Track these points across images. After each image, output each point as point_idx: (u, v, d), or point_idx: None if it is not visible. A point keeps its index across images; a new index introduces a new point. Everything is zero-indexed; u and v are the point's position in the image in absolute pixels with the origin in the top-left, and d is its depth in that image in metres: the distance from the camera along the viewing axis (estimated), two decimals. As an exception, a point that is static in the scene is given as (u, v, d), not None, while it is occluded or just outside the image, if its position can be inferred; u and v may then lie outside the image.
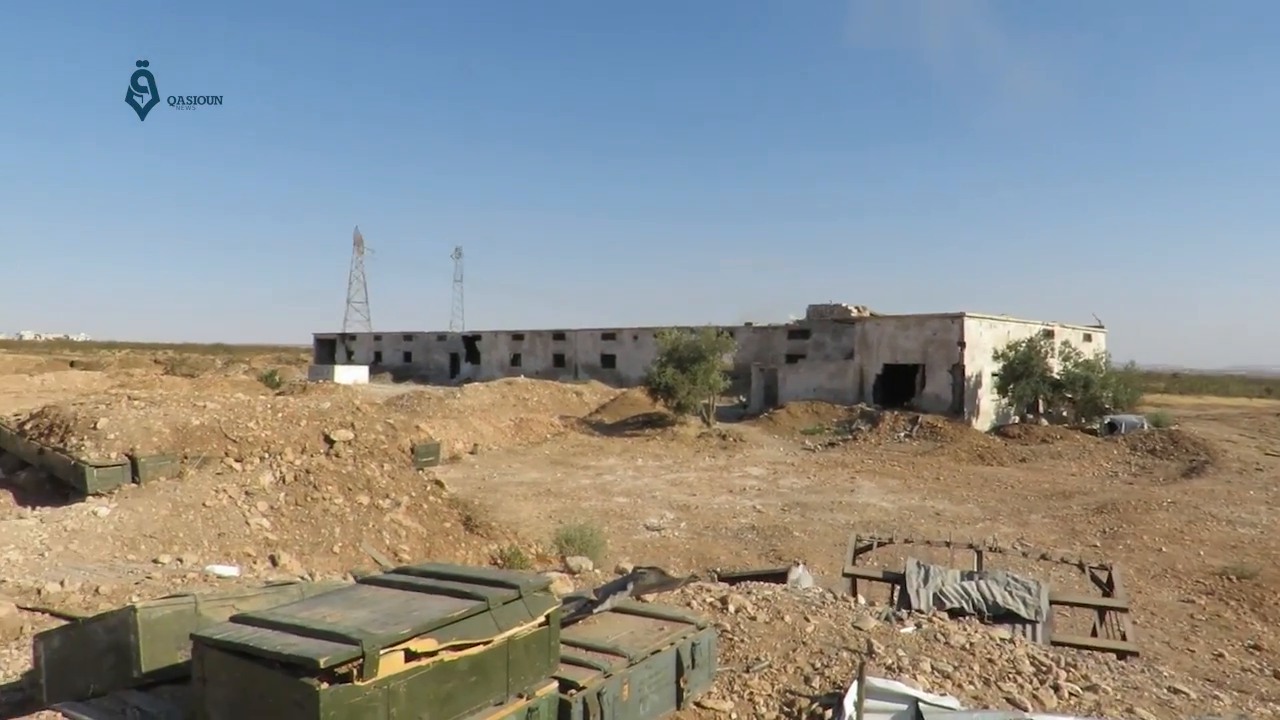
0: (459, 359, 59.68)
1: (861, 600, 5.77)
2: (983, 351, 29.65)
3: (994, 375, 29.16)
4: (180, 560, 6.22)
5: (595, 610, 3.66)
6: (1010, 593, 6.12)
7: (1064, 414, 29.28)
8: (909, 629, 4.59)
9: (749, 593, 5.23)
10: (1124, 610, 6.53)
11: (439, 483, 10.06)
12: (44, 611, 4.38)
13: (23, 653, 3.80)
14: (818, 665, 3.97)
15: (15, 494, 7.95)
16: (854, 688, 3.44)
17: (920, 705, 3.43)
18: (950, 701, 3.51)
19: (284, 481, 8.21)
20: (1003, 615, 5.99)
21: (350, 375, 48.77)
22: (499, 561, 9.01)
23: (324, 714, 2.17)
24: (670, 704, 3.34)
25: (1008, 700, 3.73)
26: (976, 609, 6.04)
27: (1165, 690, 4.17)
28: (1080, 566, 7.26)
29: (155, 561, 6.11)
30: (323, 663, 2.19)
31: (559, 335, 54.06)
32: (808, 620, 4.57)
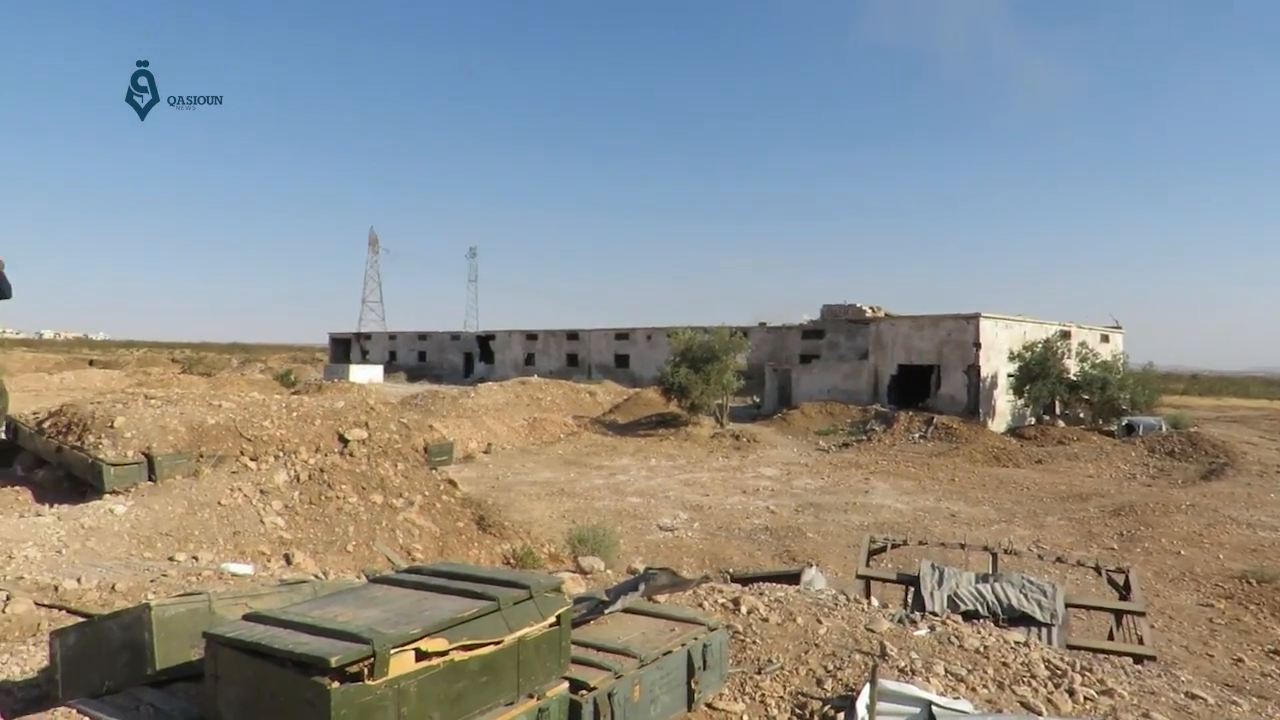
0: (473, 358, 59.87)
1: (875, 602, 5.75)
2: (998, 352, 29.47)
3: (1010, 376, 28.97)
4: (196, 558, 6.27)
5: (606, 611, 3.66)
6: (1025, 595, 6.07)
7: (1081, 415, 29.06)
8: (923, 631, 4.56)
9: (761, 594, 5.21)
10: (1141, 614, 6.46)
11: (452, 482, 10.09)
12: (61, 608, 4.42)
13: (39, 649, 3.83)
14: (830, 667, 3.96)
15: (34, 491, 8.02)
16: (866, 690, 3.42)
17: (933, 709, 3.41)
18: (964, 705, 3.49)
19: (298, 480, 8.26)
20: (1018, 618, 5.94)
21: (365, 374, 48.99)
22: (512, 561, 9.02)
23: (335, 713, 2.18)
24: (681, 705, 3.33)
25: (1022, 704, 3.70)
26: (991, 612, 6.00)
27: (1183, 695, 4.12)
28: (1097, 569, 7.20)
29: (171, 559, 6.16)
30: (334, 662, 2.19)
31: (573, 335, 54.13)
32: (820, 622, 4.55)
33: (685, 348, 29.48)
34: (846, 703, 3.54)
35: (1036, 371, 28.03)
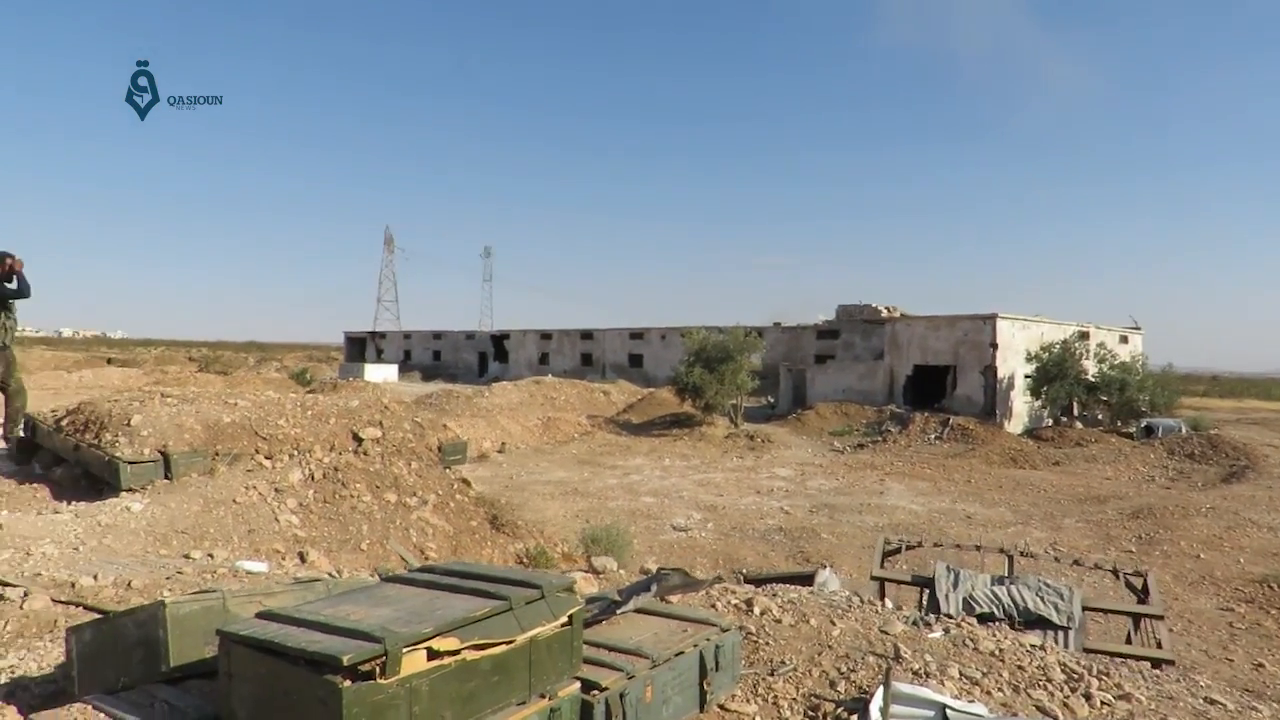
0: (487, 358, 60.06)
1: (889, 604, 5.71)
2: (1015, 353, 29.27)
3: (1027, 377, 28.78)
4: (211, 556, 6.30)
5: (619, 611, 3.65)
6: (1042, 598, 6.02)
7: (1099, 417, 28.83)
8: (937, 634, 4.53)
9: (774, 595, 5.19)
10: (1160, 618, 6.39)
11: (466, 481, 10.11)
12: (77, 605, 4.45)
13: (56, 645, 3.86)
14: (843, 669, 3.93)
15: (52, 489, 8.09)
16: (880, 693, 3.40)
17: (948, 712, 3.38)
18: (978, 708, 3.46)
19: (313, 479, 8.30)
20: (1034, 621, 5.89)
21: (380, 373, 49.22)
22: (525, 560, 9.03)
23: (347, 711, 2.18)
24: (693, 706, 3.32)
25: (1037, 708, 3.67)
26: (1007, 614, 5.95)
27: (1201, 700, 4.07)
28: (1114, 572, 7.13)
29: (186, 557, 6.20)
30: (346, 660, 2.20)
31: (587, 335, 54.20)
32: (834, 624, 4.52)
33: (700, 347, 29.45)
34: (860, 705, 3.51)
35: (1054, 372, 27.82)
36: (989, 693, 3.80)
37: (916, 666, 4.01)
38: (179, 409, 8.52)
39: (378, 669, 2.26)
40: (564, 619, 2.83)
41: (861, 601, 5.31)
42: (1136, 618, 6.61)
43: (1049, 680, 3.99)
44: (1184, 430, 24.60)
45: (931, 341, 30.95)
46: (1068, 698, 3.80)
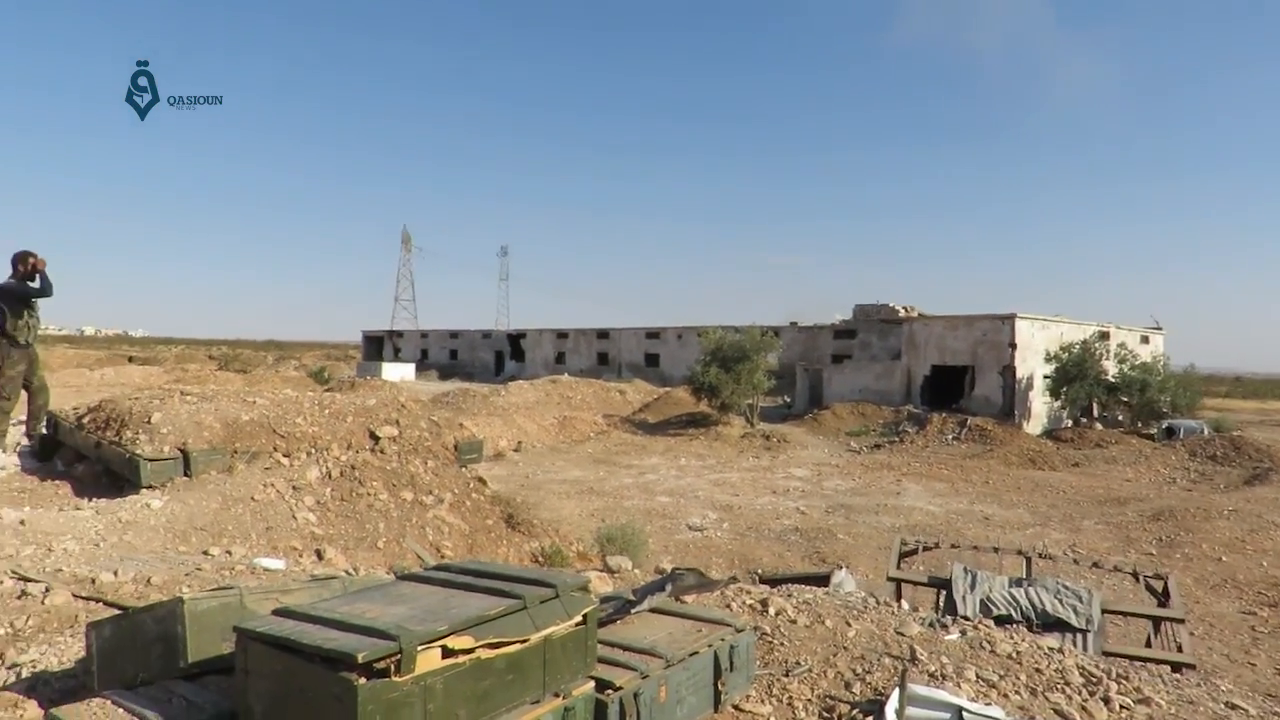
0: (504, 357, 60.25)
1: (905, 605, 5.68)
2: (1034, 353, 29.05)
3: (1046, 378, 28.55)
4: (229, 553, 6.35)
5: (633, 610, 3.65)
6: (1060, 601, 5.97)
7: (1119, 418, 28.57)
8: (954, 636, 4.50)
9: (790, 595, 5.17)
10: (1180, 621, 6.32)
11: (482, 480, 10.13)
12: (98, 600, 4.50)
13: (76, 640, 3.90)
14: (859, 671, 3.91)
15: (73, 486, 8.18)
16: (895, 695, 3.38)
17: (964, 714, 3.36)
18: (995, 711, 3.43)
19: (330, 477, 8.34)
20: (1052, 624, 5.84)
21: (397, 372, 49.48)
22: (540, 559, 9.05)
23: (361, 708, 2.19)
24: (707, 706, 3.31)
25: (1055, 712, 3.64)
26: (1025, 617, 5.90)
27: (1223, 705, 4.03)
28: (1134, 575, 7.06)
29: (205, 553, 6.25)
30: (361, 658, 2.21)
31: (603, 334, 54.27)
32: (849, 625, 4.50)
33: (716, 347, 29.42)
34: (875, 707, 3.50)
35: (1074, 373, 27.59)
36: (1006, 695, 3.77)
37: (933, 668, 3.99)
38: (198, 407, 8.59)
39: (393, 667, 2.26)
40: (578, 618, 2.83)
41: (877, 603, 5.28)
42: (1157, 621, 6.55)
43: (1067, 683, 3.96)
44: (1206, 432, 24.33)
45: (949, 341, 30.77)
46: (1086, 701, 3.76)
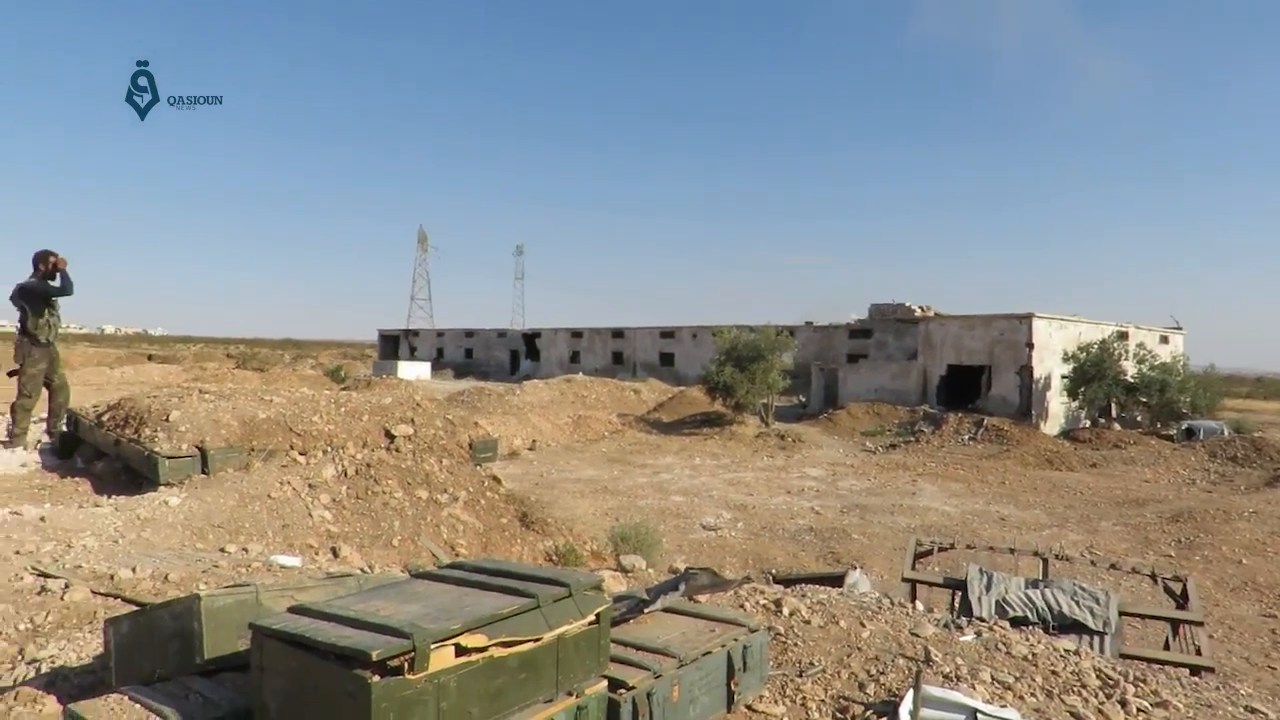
0: (519, 356, 60.40)
1: (920, 606, 5.65)
2: (1052, 353, 28.84)
3: (1064, 378, 28.34)
4: (246, 550, 6.39)
5: (646, 610, 3.65)
6: (1077, 602, 5.92)
7: (1138, 419, 28.32)
8: (969, 637, 4.47)
9: (804, 596, 5.16)
10: (1199, 624, 6.26)
11: (496, 479, 10.16)
12: (116, 596, 4.53)
13: (95, 636, 3.94)
14: (873, 672, 3.90)
15: (93, 483, 8.27)
16: (910, 696, 3.36)
17: (979, 716, 3.34)
18: (1010, 713, 3.41)
19: (345, 475, 8.39)
20: (1068, 626, 5.80)
21: (413, 371, 49.71)
22: (554, 558, 9.06)
23: (375, 705, 2.20)
24: (720, 706, 3.31)
25: (1071, 714, 3.61)
26: (1041, 618, 5.86)
27: (1242, 709, 3.98)
28: (1153, 577, 7.00)
29: (222, 550, 6.29)
30: (375, 655, 2.21)
31: (618, 333, 54.30)
32: (864, 625, 4.48)
33: (730, 346, 29.39)
34: (889, 708, 3.48)
35: (1092, 373, 27.37)
36: (1021, 697, 3.75)
37: (947, 670, 3.97)
38: (216, 405, 8.66)
39: (406, 664, 2.27)
40: (591, 617, 2.82)
41: (892, 603, 5.26)
42: (1175, 624, 6.49)
43: (1083, 686, 3.93)
44: (1226, 433, 24.09)
45: (966, 341, 30.59)
46: (1103, 704, 3.73)
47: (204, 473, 7.90)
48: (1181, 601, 6.58)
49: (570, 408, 29.42)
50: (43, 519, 6.34)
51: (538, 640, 2.63)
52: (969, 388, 30.34)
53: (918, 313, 39.19)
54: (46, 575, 4.88)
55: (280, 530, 7.23)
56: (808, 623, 4.51)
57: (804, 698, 3.64)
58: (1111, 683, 4.00)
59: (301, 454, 8.51)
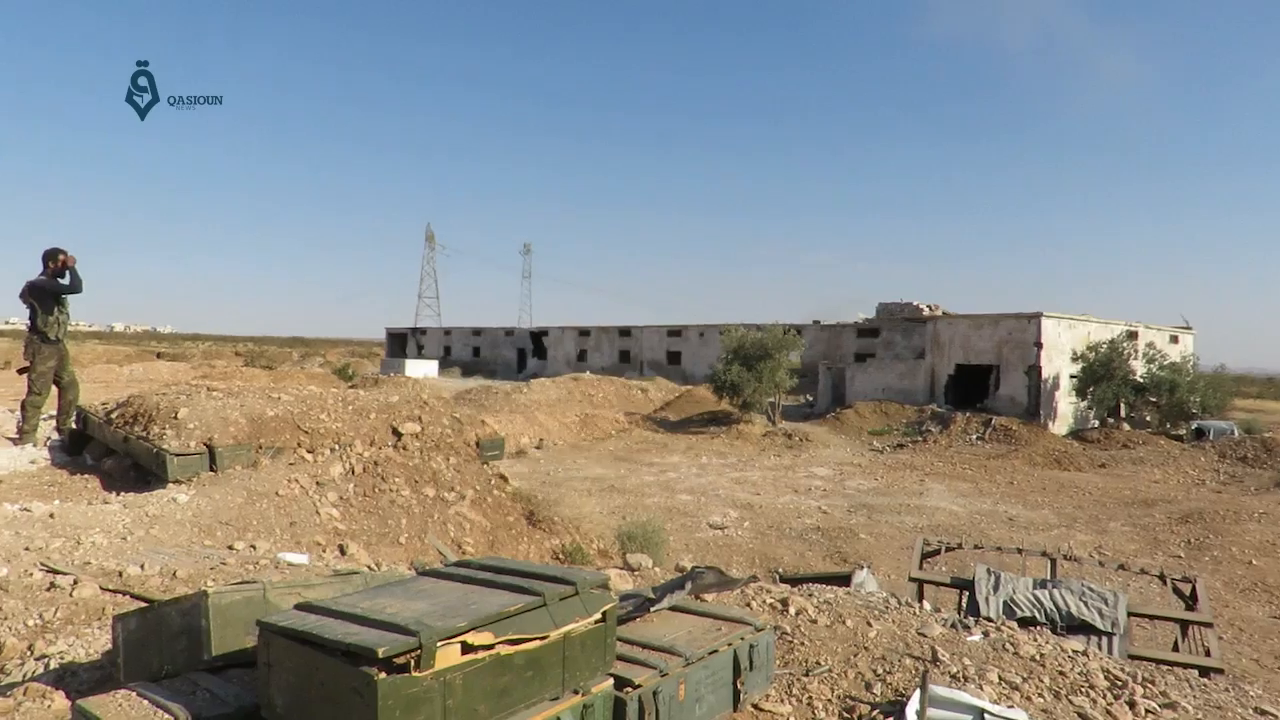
0: (526, 354, 60.44)
1: (927, 606, 5.64)
2: (1061, 353, 28.73)
3: (1072, 377, 28.24)
4: (254, 547, 6.41)
5: (653, 608, 3.64)
6: (1085, 603, 5.90)
7: (1147, 419, 28.19)
8: (976, 637, 4.46)
9: (810, 595, 5.15)
10: (1209, 625, 6.23)
11: (503, 477, 10.17)
12: (124, 593, 4.55)
13: (103, 632, 3.96)
14: (879, 671, 3.89)
15: (102, 480, 8.31)
16: (917, 696, 3.35)
17: (986, 716, 3.33)
18: (1018, 714, 3.40)
19: (353, 473, 8.41)
20: (1077, 626, 5.78)
21: (420, 369, 49.81)
22: (560, 556, 9.07)
23: (381, 703, 2.20)
24: (726, 705, 3.30)
25: (1079, 715, 3.59)
26: (1049, 619, 5.84)
27: (1251, 711, 3.96)
28: (1162, 578, 6.96)
29: (230, 548, 6.31)
30: (381, 652, 2.22)
31: (625, 332, 54.28)
32: (870, 625, 4.47)
33: (738, 345, 29.37)
34: (896, 708, 3.47)
35: (1101, 373, 27.27)
36: (1029, 698, 3.73)
37: (954, 670, 3.95)
38: (224, 403, 8.68)
39: (412, 662, 2.27)
40: (598, 615, 2.82)
41: (899, 603, 5.24)
42: (1184, 625, 6.46)
43: (1091, 687, 3.91)
44: (1236, 433, 23.97)
45: (974, 340, 30.50)
46: (1111, 705, 3.72)
47: (212, 470, 7.92)
48: (1190, 602, 6.55)
49: (577, 406, 29.43)
50: (52, 515, 6.37)
51: (544, 638, 2.63)
52: (977, 387, 30.25)
53: (926, 312, 39.08)
54: (56, 571, 4.90)
55: (288, 528, 7.25)
56: (814, 622, 4.50)
57: (810, 697, 3.64)
58: (1120, 684, 3.99)
59: (309, 452, 8.53)
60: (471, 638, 2.42)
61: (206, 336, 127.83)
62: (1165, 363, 28.22)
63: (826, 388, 34.02)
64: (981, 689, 3.74)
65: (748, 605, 4.76)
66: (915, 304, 40.88)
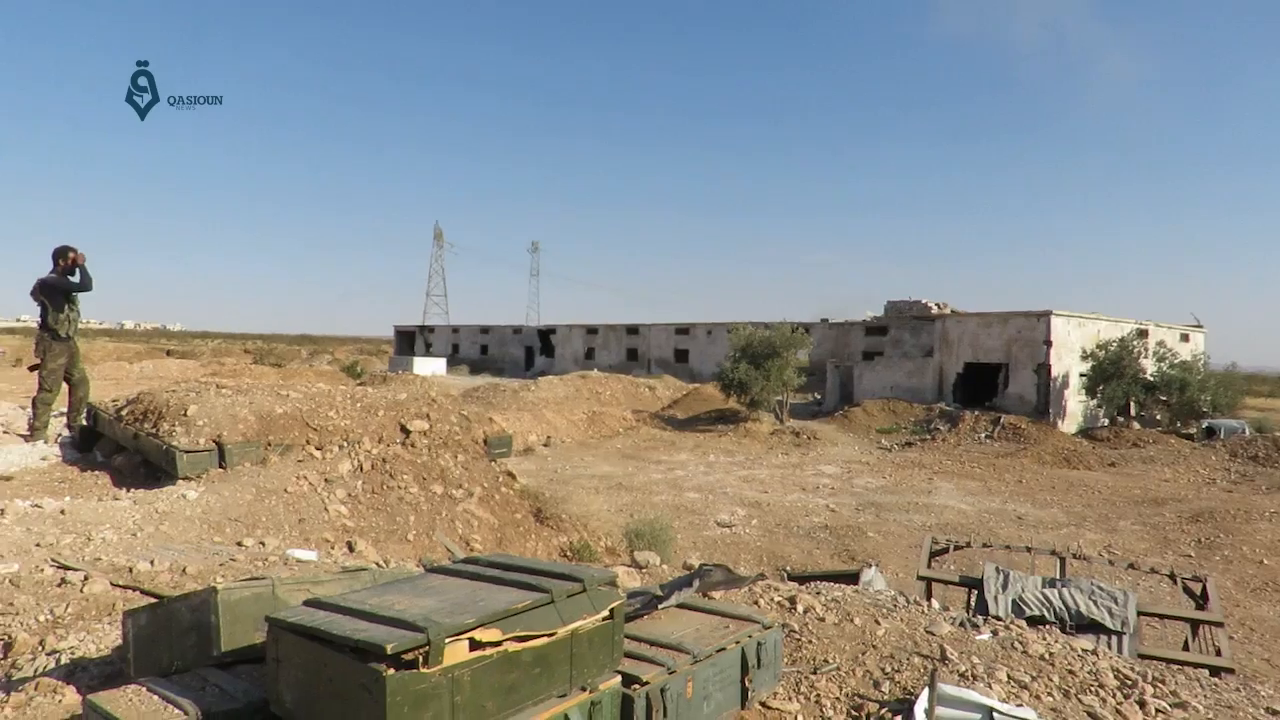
0: (534, 352, 60.50)
1: (936, 605, 5.62)
2: (1070, 351, 28.61)
3: (1082, 376, 28.12)
4: (263, 544, 6.43)
5: (661, 606, 3.64)
6: (1095, 602, 5.87)
7: (1158, 417, 28.05)
8: (985, 636, 4.45)
9: (818, 593, 5.14)
10: (1219, 624, 6.20)
11: (511, 474, 10.18)
12: (134, 589, 4.57)
13: (114, 627, 3.97)
14: (888, 670, 3.88)
15: (112, 476, 8.35)
16: (925, 694, 3.34)
17: (995, 715, 3.31)
18: (1027, 713, 3.39)
19: (361, 470, 8.43)
20: (1086, 625, 5.75)
21: (429, 367, 49.91)
22: (568, 554, 9.08)
23: (390, 699, 2.21)
24: (734, 703, 3.30)
25: (1089, 714, 3.58)
26: (1058, 618, 5.82)
27: (1263, 711, 3.94)
28: (1172, 577, 6.92)
29: (239, 544, 6.34)
30: (389, 649, 2.22)
31: (633, 330, 54.28)
32: (878, 623, 4.46)
33: (745, 343, 29.33)
34: (904, 706, 3.46)
35: (1110, 371, 27.14)
36: (1038, 697, 3.72)
37: (963, 668, 3.94)
38: (233, 400, 8.72)
39: (421, 658, 2.28)
40: (605, 613, 2.82)
41: (907, 601, 5.23)
42: (1194, 624, 6.43)
43: (1101, 686, 3.89)
44: (1248, 432, 23.83)
45: (983, 339, 30.40)
46: (1120, 704, 3.70)
47: (221, 467, 7.95)
48: (1201, 602, 6.51)
49: (585, 404, 29.45)
50: (63, 512, 6.41)
51: (552, 635, 2.63)
52: (986, 385, 30.16)
53: (934, 310, 38.96)
54: (66, 567, 4.93)
55: (296, 524, 7.27)
56: (822, 620, 4.50)
57: (819, 695, 3.63)
58: (1129, 683, 3.97)
59: (318, 449, 8.55)
60: (479, 634, 2.43)
61: (216, 334, 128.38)
62: (1176, 361, 28.06)
63: (834, 386, 33.96)
64: (990, 688, 3.73)
65: (756, 603, 4.76)
66: (924, 302, 40.76)
